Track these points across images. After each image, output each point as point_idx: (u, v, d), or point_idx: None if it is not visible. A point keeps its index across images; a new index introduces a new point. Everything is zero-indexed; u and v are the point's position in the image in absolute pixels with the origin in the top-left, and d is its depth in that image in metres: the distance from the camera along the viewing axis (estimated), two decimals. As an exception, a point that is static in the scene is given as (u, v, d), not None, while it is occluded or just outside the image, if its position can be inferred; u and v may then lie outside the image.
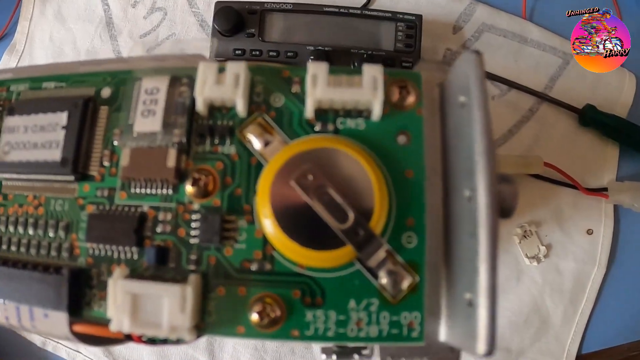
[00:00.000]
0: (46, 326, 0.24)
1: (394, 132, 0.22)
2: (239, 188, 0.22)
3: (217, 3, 0.39)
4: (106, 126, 0.24)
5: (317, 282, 0.21)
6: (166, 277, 0.22)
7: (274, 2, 0.40)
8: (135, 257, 0.22)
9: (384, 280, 0.21)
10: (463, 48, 0.42)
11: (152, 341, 0.22)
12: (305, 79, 0.21)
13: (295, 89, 0.22)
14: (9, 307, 0.24)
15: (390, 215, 0.21)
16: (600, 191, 0.42)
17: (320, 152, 0.21)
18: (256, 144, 0.22)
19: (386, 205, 0.21)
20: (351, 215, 0.20)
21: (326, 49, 0.39)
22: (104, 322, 0.22)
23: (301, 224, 0.20)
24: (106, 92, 0.24)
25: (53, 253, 0.23)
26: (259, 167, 0.22)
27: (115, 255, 0.22)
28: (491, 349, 0.19)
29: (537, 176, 0.42)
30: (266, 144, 0.22)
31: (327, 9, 0.40)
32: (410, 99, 0.22)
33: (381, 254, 0.21)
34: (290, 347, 0.36)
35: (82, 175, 0.23)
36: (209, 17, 0.41)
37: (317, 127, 0.22)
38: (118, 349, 0.40)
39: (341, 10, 0.40)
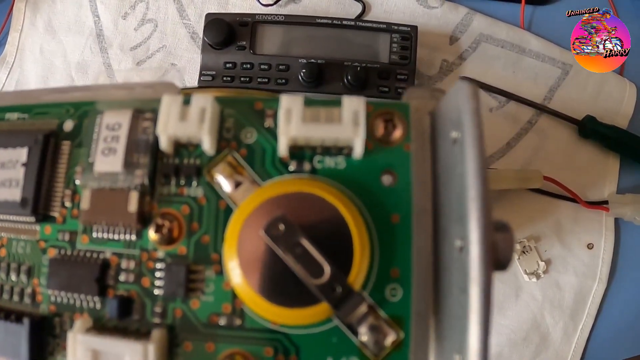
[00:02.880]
0: (10, 375, 0.21)
1: (378, 172, 0.18)
2: (207, 235, 0.18)
3: (207, 15, 0.36)
4: (68, 163, 0.20)
5: (291, 339, 0.18)
6: (130, 330, 0.19)
7: (265, 14, 0.36)
8: (98, 306, 0.19)
9: (364, 337, 0.18)
10: (460, 59, 0.38)
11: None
12: (279, 113, 0.18)
13: (268, 123, 0.19)
14: (-29, 354, 0.21)
15: (373, 266, 0.18)
16: (601, 204, 0.38)
17: (293, 197, 0.17)
18: (225, 185, 0.18)
19: (367, 257, 0.17)
20: (327, 270, 0.17)
21: (319, 61, 0.36)
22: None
23: (272, 278, 0.17)
24: (69, 126, 0.21)
25: (16, 298, 0.20)
26: (229, 211, 0.18)
27: (78, 303, 0.19)
28: None
29: (536, 190, 0.38)
30: (236, 185, 0.18)
31: (320, 21, 0.36)
32: (397, 134, 0.19)
33: (362, 309, 0.17)
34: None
35: (43, 216, 0.20)
36: (200, 28, 0.38)
37: (292, 167, 0.19)
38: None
39: (334, 22, 0.36)
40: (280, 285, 0.17)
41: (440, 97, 0.20)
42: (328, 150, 0.19)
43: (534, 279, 0.38)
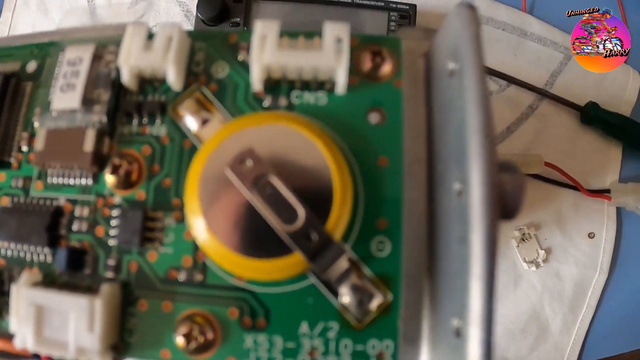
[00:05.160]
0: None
1: (365, 109, 0.15)
2: (168, 178, 0.15)
3: (200, -10, 0.33)
4: (28, 105, 0.17)
5: (260, 298, 0.14)
6: (81, 286, 0.15)
7: (262, -7, 0.33)
8: (49, 259, 0.15)
9: (346, 298, 0.14)
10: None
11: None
12: (252, 40, 0.14)
13: (242, 56, 0.15)
14: None
15: (356, 215, 0.14)
16: (603, 193, 0.34)
17: (264, 131, 0.14)
18: (191, 123, 0.15)
19: (349, 202, 0.14)
20: (301, 214, 0.13)
21: (316, 42, 0.32)
22: (10, 336, 0.15)
23: (238, 224, 0.13)
24: (32, 67, 0.18)
25: (-34, 252, 0.17)
26: (194, 151, 0.15)
27: (28, 257, 0.16)
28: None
29: (536, 176, 0.34)
30: (203, 123, 0.15)
31: (317, -1, 0.33)
32: (386, 68, 0.15)
33: (342, 264, 0.14)
34: None
35: (-2, 162, 0.17)
36: (194, 6, 0.34)
37: (267, 102, 0.15)
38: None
39: None
40: (248, 232, 0.13)
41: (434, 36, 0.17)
42: (308, 85, 0.15)
43: (534, 268, 0.34)
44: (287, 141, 0.13)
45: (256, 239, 0.13)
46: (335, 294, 0.14)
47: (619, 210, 0.35)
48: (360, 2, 0.32)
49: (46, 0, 0.36)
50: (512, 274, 0.34)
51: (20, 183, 0.16)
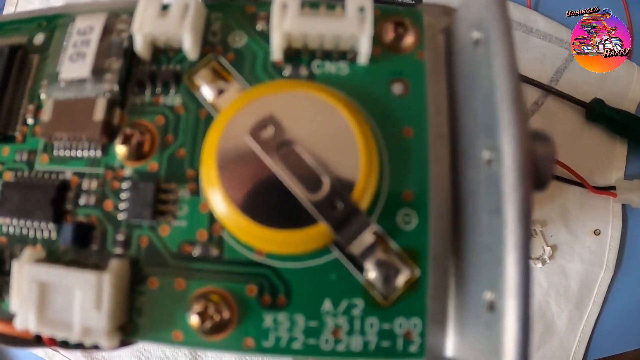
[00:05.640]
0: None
1: (387, 79, 0.14)
2: (182, 148, 0.14)
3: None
4: (35, 77, 0.16)
5: (281, 274, 0.13)
6: (87, 263, 0.14)
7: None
8: (54, 236, 0.15)
9: (371, 274, 0.13)
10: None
11: (65, 344, 0.14)
12: (272, 8, 0.14)
13: (261, 26, 0.15)
14: None
15: (381, 186, 0.13)
16: (608, 189, 0.34)
17: (286, 99, 0.13)
18: (207, 92, 0.14)
19: (375, 171, 0.13)
20: (326, 182, 0.12)
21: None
22: (10, 318, 0.14)
23: (259, 195, 0.13)
24: (39, 39, 0.17)
25: (-34, 231, 0.16)
26: (210, 121, 0.14)
27: (32, 233, 0.15)
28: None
29: (542, 172, 0.34)
30: (220, 92, 0.14)
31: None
32: (409, 40, 0.14)
33: (368, 237, 0.13)
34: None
35: (2, 137, 0.16)
36: None
37: (287, 72, 0.14)
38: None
39: (337, -5, 0.32)
40: (269, 202, 0.12)
41: (454, 13, 0.16)
42: (329, 55, 0.14)
43: (540, 265, 0.33)
44: (310, 108, 0.13)
45: (278, 208, 0.12)
46: (360, 269, 0.13)
47: (624, 207, 0.34)
48: (367, -6, 0.32)
49: (49, -7, 0.36)
50: (518, 270, 0.33)
51: (24, 157, 0.15)
